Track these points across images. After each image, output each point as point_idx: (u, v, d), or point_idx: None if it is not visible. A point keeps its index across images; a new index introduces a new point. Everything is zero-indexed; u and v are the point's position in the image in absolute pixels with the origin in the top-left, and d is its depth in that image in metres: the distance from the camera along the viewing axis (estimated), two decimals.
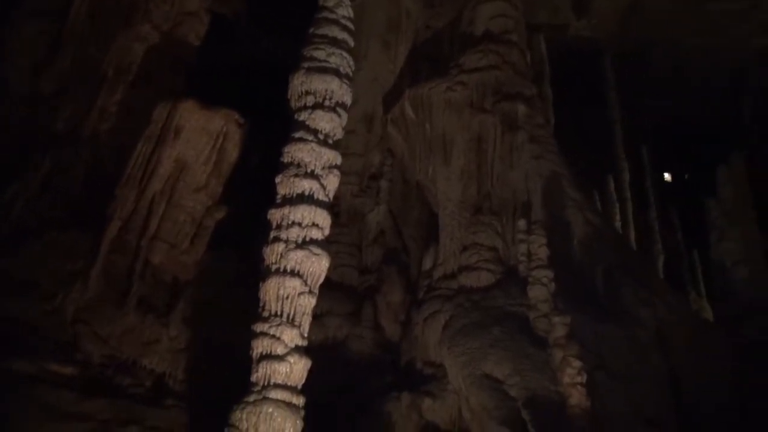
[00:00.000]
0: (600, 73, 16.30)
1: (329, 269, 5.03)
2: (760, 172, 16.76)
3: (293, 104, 5.37)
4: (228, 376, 5.94)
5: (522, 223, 7.79)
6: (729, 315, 8.85)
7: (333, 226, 5.37)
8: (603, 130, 15.77)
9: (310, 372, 4.65)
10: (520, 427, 5.74)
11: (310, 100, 5.28)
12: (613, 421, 5.99)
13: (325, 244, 4.97)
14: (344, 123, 5.42)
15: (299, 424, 4.39)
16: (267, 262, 4.83)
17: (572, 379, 5.96)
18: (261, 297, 4.73)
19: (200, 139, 9.21)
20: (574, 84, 14.80)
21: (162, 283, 8.57)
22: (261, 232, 5.07)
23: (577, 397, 5.89)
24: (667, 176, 20.71)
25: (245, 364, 4.63)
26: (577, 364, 6.01)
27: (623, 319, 7.03)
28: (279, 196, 5.03)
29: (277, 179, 5.07)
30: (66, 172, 9.19)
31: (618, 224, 13.48)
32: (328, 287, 7.59)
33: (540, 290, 6.87)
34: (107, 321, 7.74)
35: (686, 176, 21.09)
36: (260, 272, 4.83)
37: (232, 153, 9.60)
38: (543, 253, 7.12)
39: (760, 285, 8.87)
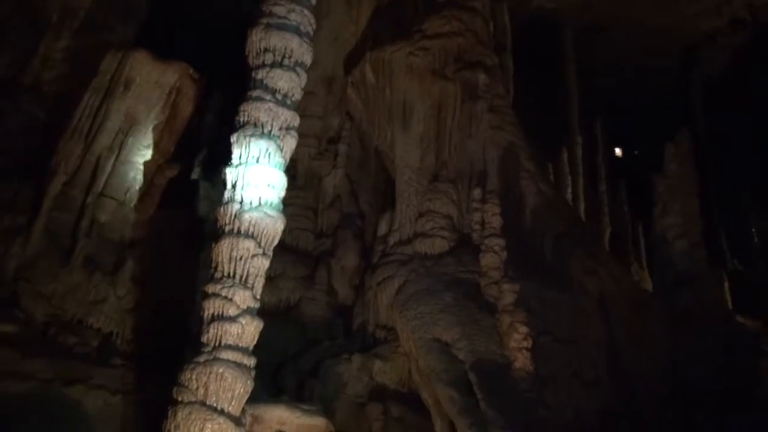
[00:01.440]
0: (560, 46, 16.46)
1: (284, 232, 5.00)
2: (705, 149, 17.49)
3: (251, 61, 5.21)
4: (177, 337, 5.88)
5: (477, 192, 7.91)
6: (666, 285, 9.30)
7: (289, 188, 5.31)
8: (559, 103, 16.03)
9: (262, 333, 4.66)
10: (467, 389, 5.94)
11: (268, 58, 5.14)
12: (553, 383, 6.27)
13: (280, 206, 4.91)
14: (303, 83, 5.30)
15: (250, 384, 4.41)
16: (220, 222, 4.75)
17: (518, 344, 6.18)
18: (213, 258, 4.67)
19: (152, 93, 8.86)
20: (534, 56, 14.88)
21: (109, 241, 8.33)
22: (214, 192, 4.97)
23: (521, 361, 6.13)
24: (618, 151, 21.33)
25: (195, 324, 4.59)
26: (524, 329, 6.23)
27: (569, 287, 7.30)
28: (234, 156, 4.92)
29: (233, 138, 4.95)
30: (5, 122, 8.69)
31: (569, 196, 13.86)
32: (283, 250, 7.56)
33: (492, 258, 7.03)
34: (50, 279, 7.50)
35: (636, 152, 21.78)
36: (213, 232, 4.75)
37: (186, 109, 9.29)
38: (496, 221, 7.26)
39: (697, 258, 9.33)
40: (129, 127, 8.70)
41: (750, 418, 7.34)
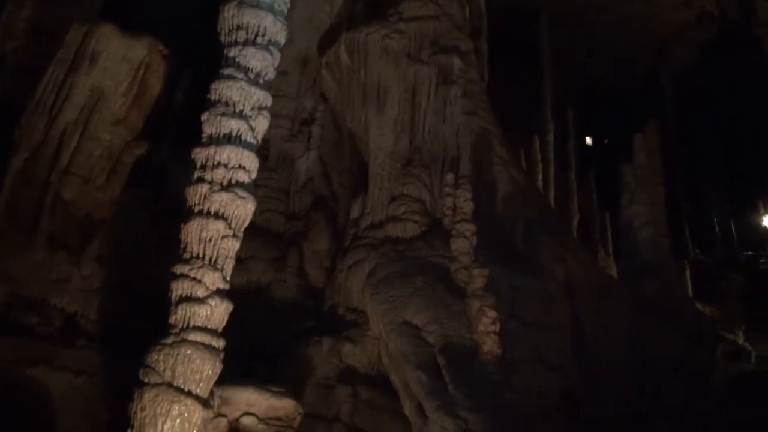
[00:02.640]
0: (535, 33, 16.55)
1: (255, 213, 4.94)
2: (672, 141, 17.89)
3: (223, 38, 5.08)
4: (144, 318, 5.79)
5: (450, 177, 7.94)
6: (631, 273, 9.55)
7: (261, 169, 5.24)
8: (533, 90, 16.16)
9: (232, 315, 4.62)
10: (435, 372, 6.02)
11: (241, 36, 5.02)
12: (520, 367, 6.40)
13: (251, 187, 4.85)
14: (277, 63, 5.20)
15: (218, 366, 4.38)
16: (190, 203, 4.66)
17: (486, 328, 6.27)
18: (182, 238, 4.59)
19: (119, 68, 8.59)
20: (509, 42, 14.93)
21: (74, 219, 8.12)
22: (184, 172, 4.87)
23: (489, 345, 6.23)
24: (588, 140, 21.67)
25: (163, 305, 4.53)
26: (492, 314, 6.32)
27: (537, 273, 7.42)
28: (204, 135, 4.82)
29: (203, 117, 4.84)
30: None
31: (540, 183, 14.05)
32: (253, 231, 7.48)
33: (462, 243, 7.09)
34: (12, 257, 7.28)
35: (606, 141, 22.16)
36: (182, 213, 4.67)
37: (155, 86, 9.05)
38: (468, 207, 7.32)
39: (661, 246, 9.60)
40: (95, 103, 8.44)
41: (708, 401, 7.65)
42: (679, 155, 18.63)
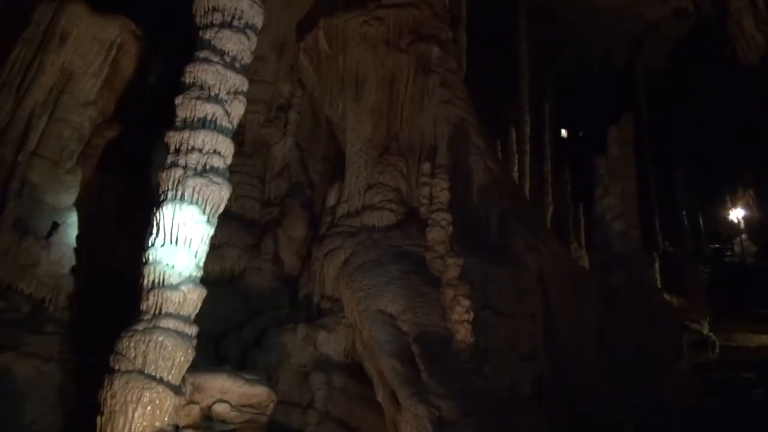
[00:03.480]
0: (513, 24, 16.59)
1: (230, 199, 4.89)
2: (645, 135, 18.21)
3: (198, 20, 4.99)
4: (115, 304, 5.69)
5: (426, 167, 7.95)
6: (602, 263, 9.72)
7: (236, 155, 5.18)
8: (510, 81, 16.24)
9: (206, 302, 4.58)
10: (409, 360, 6.06)
11: (217, 18, 4.94)
12: (492, 355, 6.48)
13: (226, 173, 4.80)
14: (253, 47, 5.14)
15: (191, 353, 4.34)
16: (163, 187, 4.59)
17: (460, 317, 6.33)
18: (155, 224, 4.52)
19: (90, 48, 8.36)
20: (488, 32, 14.96)
21: (43, 203, 7.91)
22: (157, 155, 4.79)
23: (463, 334, 6.29)
24: (563, 132, 21.91)
25: (134, 291, 4.46)
26: (466, 303, 6.37)
27: (511, 263, 7.50)
28: (178, 119, 4.74)
29: (177, 100, 4.76)
30: None
31: (515, 174, 14.17)
32: (228, 218, 7.41)
33: (438, 232, 7.12)
34: None
35: (580, 134, 22.44)
36: (155, 197, 4.59)
37: (128, 67, 8.84)
38: (444, 196, 7.34)
39: (632, 238, 9.78)
40: (65, 84, 8.20)
41: (673, 388, 7.87)
42: (650, 149, 18.99)
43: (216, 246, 8.09)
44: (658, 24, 18.85)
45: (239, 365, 6.88)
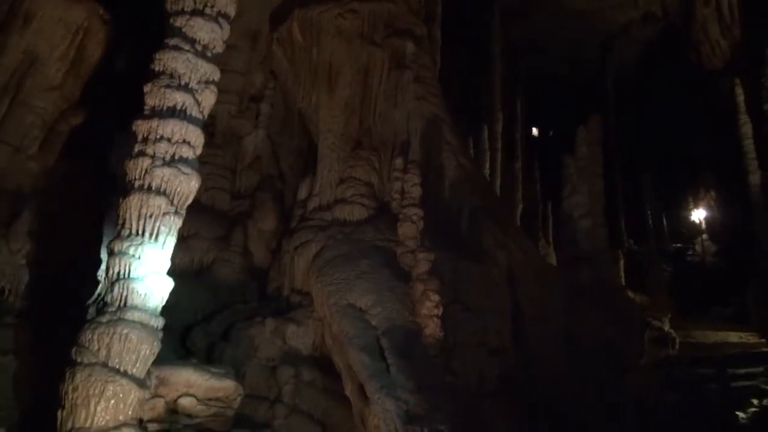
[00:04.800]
0: (487, 23, 16.71)
1: (199, 191, 4.81)
2: (613, 135, 18.57)
3: (169, 6, 4.89)
4: (77, 295, 5.56)
5: (399, 162, 7.97)
6: (569, 261, 9.90)
7: (206, 146, 5.10)
8: (483, 79, 16.36)
9: (173, 294, 4.50)
10: (378, 354, 6.08)
11: (188, 5, 4.84)
12: (460, 350, 6.55)
13: (196, 163, 4.72)
14: (226, 36, 5.05)
15: (157, 345, 4.27)
16: (130, 176, 4.49)
17: (429, 312, 6.37)
18: (121, 214, 4.42)
19: (56, 31, 8.11)
20: (462, 30, 15.03)
21: (3, 191, 7.66)
22: (124, 144, 4.68)
23: (431, 328, 6.34)
24: (534, 131, 22.20)
25: (98, 283, 4.36)
26: (436, 297, 6.43)
27: (480, 259, 7.58)
28: (147, 107, 4.64)
29: (146, 88, 4.65)
30: None
31: (487, 171, 14.31)
32: (197, 209, 7.28)
33: (409, 227, 7.15)
34: None
35: (551, 133, 22.77)
36: (121, 187, 4.49)
37: (94, 52, 8.60)
38: (416, 192, 7.37)
39: (598, 236, 9.98)
40: (28, 67, 7.94)
41: (636, 382, 8.09)
42: (617, 149, 19.40)
43: (184, 237, 7.96)
44: (628, 27, 19.23)
45: (206, 359, 6.80)
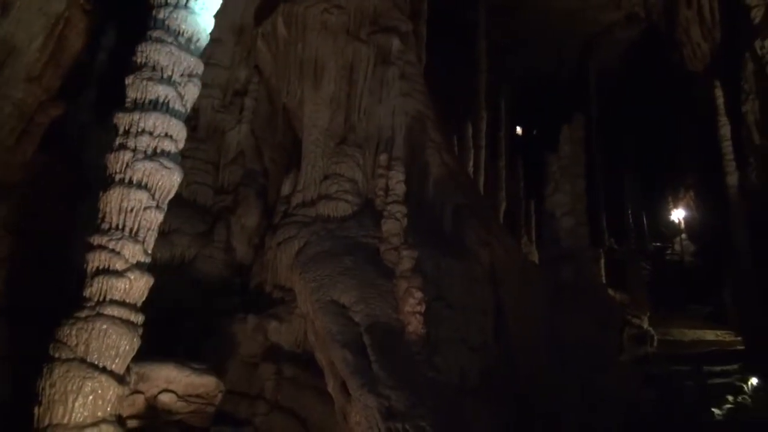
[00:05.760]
0: (473, 21, 16.74)
1: (181, 185, 4.76)
2: (595, 134, 18.77)
3: None
4: (56, 291, 5.47)
5: (383, 158, 7.96)
6: (551, 259, 10.00)
7: (189, 140, 5.04)
8: (469, 78, 16.41)
9: (153, 290, 4.45)
10: (361, 351, 6.08)
11: None
12: (443, 346, 6.58)
13: (178, 158, 4.66)
14: (210, 29, 4.99)
15: (136, 341, 4.22)
16: (110, 170, 4.42)
17: (412, 309, 6.39)
18: (101, 208, 4.35)
19: (35, 20, 7.93)
20: (448, 28, 15.05)
21: None
22: (105, 137, 4.60)
23: (414, 325, 6.35)
24: (518, 129, 22.34)
25: (77, 278, 4.29)
26: (419, 295, 6.44)
27: (464, 256, 7.62)
28: (128, 100, 4.57)
29: (128, 80, 4.58)
30: None
31: (471, 169, 14.37)
32: (179, 204, 7.22)
33: (393, 224, 7.16)
34: None
35: (534, 132, 22.93)
36: (101, 180, 4.42)
37: (75, 43, 8.45)
38: (400, 189, 7.37)
39: (580, 234, 10.10)
40: (5, 57, 7.76)
41: (615, 378, 8.20)
42: (600, 149, 19.61)
43: (166, 232, 7.89)
44: (612, 28, 19.43)
45: (188, 355, 6.74)
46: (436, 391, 5.92)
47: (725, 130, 11.98)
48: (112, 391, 4.00)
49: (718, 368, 10.10)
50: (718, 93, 12.31)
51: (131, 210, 4.33)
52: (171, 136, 4.58)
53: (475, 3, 16.74)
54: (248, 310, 7.50)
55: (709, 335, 12.28)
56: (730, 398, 9.18)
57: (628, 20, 18.86)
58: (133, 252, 4.29)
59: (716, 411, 8.94)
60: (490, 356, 6.99)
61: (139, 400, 5.32)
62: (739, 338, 11.48)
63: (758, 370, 9.47)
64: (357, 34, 8.88)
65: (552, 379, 7.40)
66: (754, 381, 9.45)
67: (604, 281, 13.08)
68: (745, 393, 9.36)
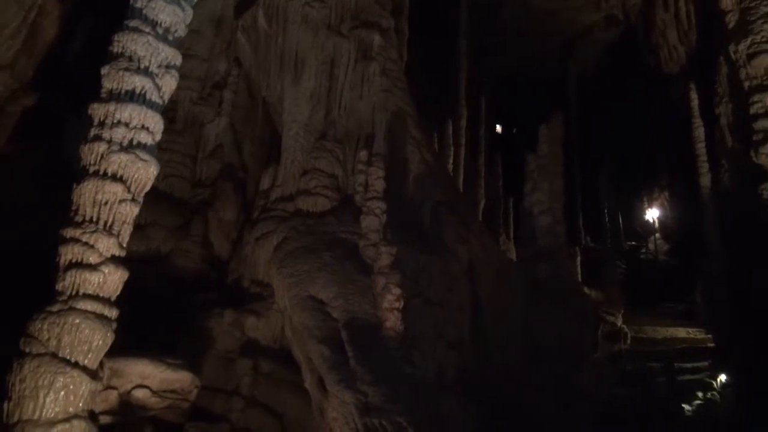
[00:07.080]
0: (455, 19, 16.78)
1: (158, 178, 4.68)
2: (573, 134, 18.99)
3: None
4: (27, 284, 5.35)
5: (363, 154, 7.95)
6: (528, 256, 10.10)
7: (166, 132, 4.97)
8: (449, 75, 16.46)
9: (128, 284, 4.38)
10: (338, 346, 6.07)
11: None
12: (421, 343, 6.60)
13: (155, 150, 4.58)
14: (188, 20, 4.91)
15: (110, 336, 4.15)
16: (84, 162, 4.33)
17: (390, 305, 6.40)
18: (74, 200, 4.26)
19: (7, 7, 7.76)
20: (430, 25, 15.06)
21: None
22: (79, 128, 4.51)
23: (392, 321, 6.36)
24: (498, 128, 22.49)
25: (49, 271, 4.20)
26: (397, 291, 6.45)
27: (442, 253, 7.65)
28: (104, 90, 4.47)
29: (104, 70, 4.48)
30: None
31: (450, 166, 14.42)
32: (156, 197, 7.13)
33: (372, 220, 7.15)
34: None
35: (514, 130, 23.11)
36: (75, 172, 4.33)
37: (49, 31, 8.28)
38: (380, 185, 7.37)
39: (557, 233, 10.21)
40: None
41: (590, 374, 8.33)
42: (578, 148, 19.86)
43: (141, 226, 7.77)
44: (591, 29, 19.66)
45: (163, 350, 6.65)
46: (413, 387, 5.94)
47: (699, 132, 12.19)
48: (84, 386, 3.93)
49: (689, 365, 10.31)
50: (693, 95, 12.52)
51: (106, 203, 4.25)
52: (147, 128, 4.50)
53: (456, 1, 16.78)
54: (225, 305, 7.43)
55: (681, 333, 12.51)
56: (700, 394, 9.40)
57: (607, 22, 19.10)
58: (108, 245, 4.21)
59: (686, 407, 9.14)
60: (467, 353, 7.03)
61: (113, 396, 5.25)
62: (709, 336, 11.72)
63: (727, 367, 9.70)
64: (338, 29, 8.84)
65: (527, 375, 7.48)
66: (722, 378, 9.69)
67: (579, 279, 13.25)
68: (714, 389, 9.59)
